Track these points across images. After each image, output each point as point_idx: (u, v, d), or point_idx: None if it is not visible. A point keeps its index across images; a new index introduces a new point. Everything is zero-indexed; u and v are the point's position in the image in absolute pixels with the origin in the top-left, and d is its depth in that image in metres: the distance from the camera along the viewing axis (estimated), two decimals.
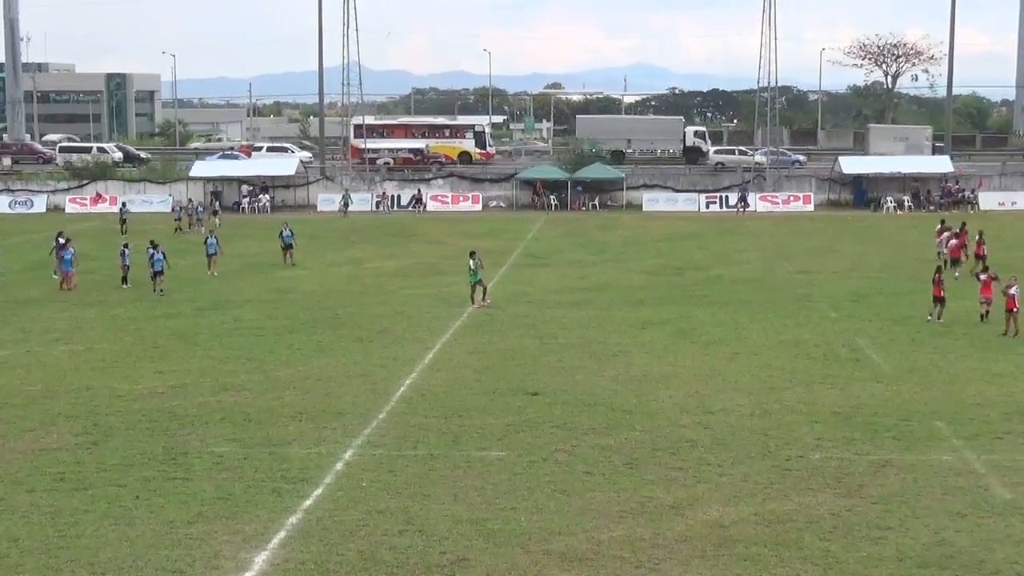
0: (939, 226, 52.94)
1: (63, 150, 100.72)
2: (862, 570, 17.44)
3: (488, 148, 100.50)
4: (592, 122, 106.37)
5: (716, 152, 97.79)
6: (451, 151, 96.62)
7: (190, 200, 74.95)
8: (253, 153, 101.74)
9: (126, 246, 48.02)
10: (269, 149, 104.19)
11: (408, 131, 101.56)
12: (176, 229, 66.22)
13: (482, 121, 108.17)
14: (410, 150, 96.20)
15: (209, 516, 19.71)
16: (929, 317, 37.39)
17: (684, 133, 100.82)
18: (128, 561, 17.79)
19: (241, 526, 19.22)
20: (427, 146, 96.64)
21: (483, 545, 18.38)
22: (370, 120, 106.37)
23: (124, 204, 72.67)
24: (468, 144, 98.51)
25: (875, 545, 18.36)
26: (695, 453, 23.26)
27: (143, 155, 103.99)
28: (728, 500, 20.40)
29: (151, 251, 44.89)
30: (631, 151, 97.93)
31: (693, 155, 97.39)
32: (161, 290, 43.67)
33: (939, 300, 37.44)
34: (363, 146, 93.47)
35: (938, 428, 25.07)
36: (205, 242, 50.35)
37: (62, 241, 47.82)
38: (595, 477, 21.77)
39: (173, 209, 72.97)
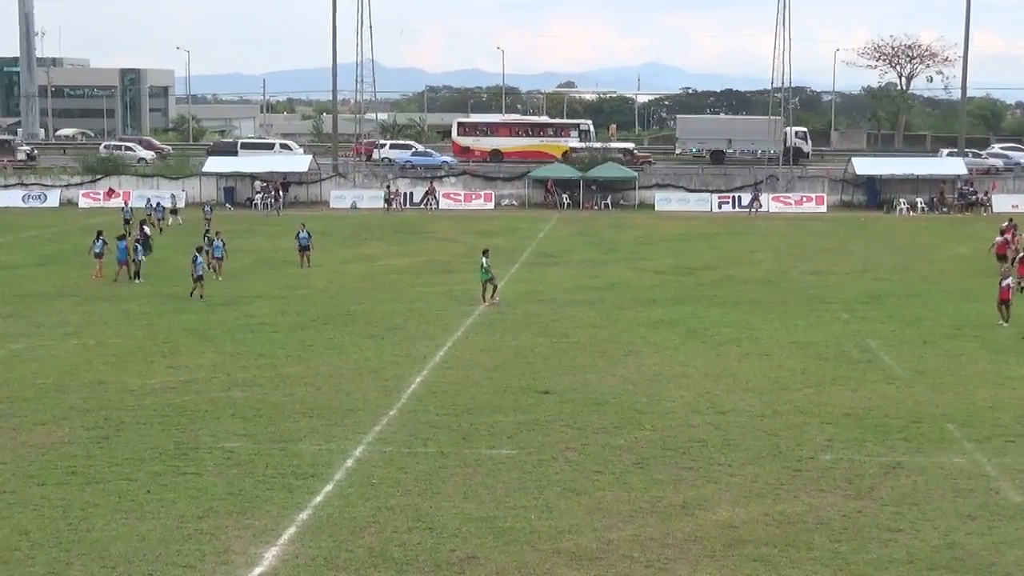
0: (1006, 223, 52.63)
1: (107, 148, 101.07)
2: (872, 572, 17.43)
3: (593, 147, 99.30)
4: (692, 122, 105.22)
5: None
6: (556, 150, 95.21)
7: (148, 200, 72.81)
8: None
9: (138, 241, 48.12)
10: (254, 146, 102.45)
11: (512, 129, 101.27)
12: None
13: (586, 120, 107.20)
14: (620, 150, 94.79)
15: (219, 511, 19.76)
16: (1000, 323, 37.04)
17: (785, 134, 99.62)
18: (138, 555, 17.85)
19: (251, 521, 19.26)
20: (684, 147, 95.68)
21: (493, 543, 18.40)
22: (475, 118, 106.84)
23: (126, 205, 70.21)
24: (573, 143, 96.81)
25: (885, 547, 18.35)
26: (705, 453, 23.26)
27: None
28: (738, 500, 20.40)
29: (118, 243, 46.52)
30: (731, 152, 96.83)
31: (794, 156, 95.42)
32: (201, 295, 42.03)
33: (1005, 303, 37.27)
34: (467, 144, 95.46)
35: (949, 431, 25.03)
36: (211, 244, 48.26)
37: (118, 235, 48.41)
38: (605, 476, 21.78)
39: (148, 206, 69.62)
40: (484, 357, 32.32)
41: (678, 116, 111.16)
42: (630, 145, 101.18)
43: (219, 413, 26.24)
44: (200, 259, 42.58)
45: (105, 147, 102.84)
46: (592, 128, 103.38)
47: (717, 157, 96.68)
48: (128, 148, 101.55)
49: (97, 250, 47.20)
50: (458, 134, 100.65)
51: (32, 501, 20.27)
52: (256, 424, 25.35)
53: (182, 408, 26.66)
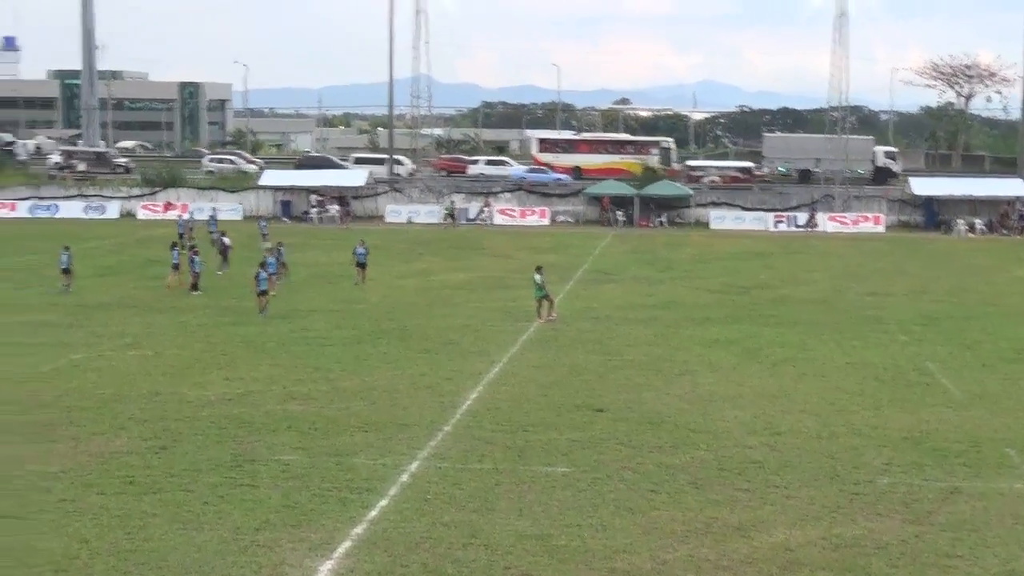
0: None
1: (212, 160, 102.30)
2: None
3: (673, 165, 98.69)
4: (780, 141, 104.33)
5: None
6: (636, 167, 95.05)
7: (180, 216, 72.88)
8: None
9: (196, 252, 48.54)
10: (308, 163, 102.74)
11: (592, 146, 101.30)
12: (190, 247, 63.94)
13: (668, 138, 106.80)
14: (739, 169, 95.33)
15: (275, 524, 19.86)
16: None
17: (874, 153, 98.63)
18: (195, 566, 17.97)
19: (307, 534, 19.34)
20: (755, 165, 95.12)
21: (547, 561, 18.37)
22: (555, 135, 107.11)
23: (180, 216, 69.99)
24: (653, 160, 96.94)
25: (944, 573, 18.15)
26: (761, 474, 23.12)
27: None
28: (794, 523, 20.25)
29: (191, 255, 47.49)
30: (819, 171, 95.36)
31: (883, 176, 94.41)
32: (262, 309, 41.92)
33: None
34: (548, 161, 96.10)
35: (1009, 456, 24.73)
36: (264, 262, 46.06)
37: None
38: (660, 496, 21.69)
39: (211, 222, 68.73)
40: (539, 374, 32.31)
41: (765, 135, 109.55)
42: (749, 164, 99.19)
43: (275, 426, 26.39)
44: (263, 274, 42.54)
45: (210, 159, 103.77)
46: (673, 146, 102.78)
47: (804, 176, 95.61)
48: (231, 162, 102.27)
49: (175, 260, 48.28)
50: (538, 151, 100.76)
51: (91, 510, 20.47)
52: (312, 437, 25.47)
53: (239, 420, 26.84)
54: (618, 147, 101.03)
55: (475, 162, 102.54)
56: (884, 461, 24.14)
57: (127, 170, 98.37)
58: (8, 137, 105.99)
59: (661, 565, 18.29)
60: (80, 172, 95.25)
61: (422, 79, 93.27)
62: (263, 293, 42.01)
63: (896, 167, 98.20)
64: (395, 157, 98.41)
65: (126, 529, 19.52)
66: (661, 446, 25.07)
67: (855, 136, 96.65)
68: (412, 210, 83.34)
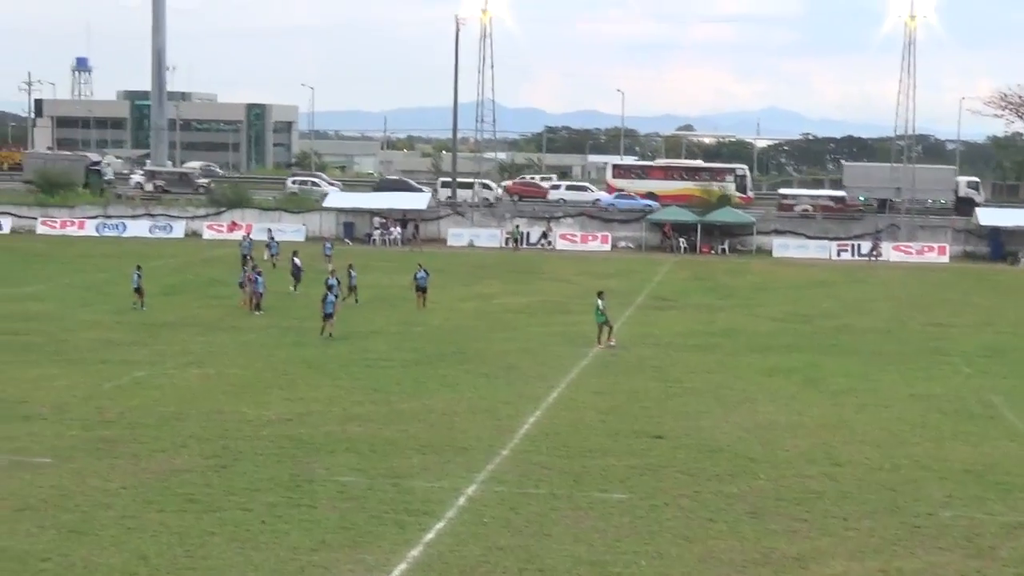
0: None
1: (295, 182, 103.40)
2: None
3: (748, 193, 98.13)
4: (860, 170, 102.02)
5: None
6: (711, 194, 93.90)
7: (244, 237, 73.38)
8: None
9: (259, 273, 48.95)
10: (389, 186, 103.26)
11: (667, 172, 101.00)
12: (273, 265, 62.72)
13: (743, 165, 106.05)
14: (831, 198, 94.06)
15: (332, 544, 19.94)
16: None
17: (957, 183, 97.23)
18: None
19: (363, 556, 19.41)
20: (850, 195, 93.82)
21: None
22: (629, 161, 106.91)
23: (244, 238, 69.43)
24: (729, 187, 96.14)
25: None
26: (820, 505, 22.91)
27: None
28: (853, 555, 20.05)
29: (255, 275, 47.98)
30: (899, 201, 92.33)
31: (966, 206, 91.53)
32: (330, 334, 41.68)
33: None
34: (622, 187, 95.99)
35: None
36: (325, 298, 43.23)
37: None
38: (718, 524, 21.56)
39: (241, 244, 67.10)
40: (597, 399, 32.26)
41: (844, 163, 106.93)
42: (840, 193, 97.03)
43: (334, 447, 26.52)
44: (331, 297, 42.44)
45: (293, 181, 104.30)
46: (748, 173, 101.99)
47: (884, 206, 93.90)
48: (315, 184, 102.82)
49: (241, 280, 48.83)
50: (613, 176, 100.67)
51: (151, 527, 20.66)
52: (370, 459, 25.57)
53: (298, 440, 27.00)
54: (692, 173, 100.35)
55: (556, 187, 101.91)
56: (946, 494, 23.86)
57: (208, 190, 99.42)
58: (95, 157, 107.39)
59: None
60: (161, 192, 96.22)
61: (486, 103, 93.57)
62: (328, 316, 41.97)
63: (979, 197, 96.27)
64: (484, 182, 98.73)
65: (185, 547, 19.69)
66: (719, 474, 24.93)
67: (936, 166, 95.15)
68: (474, 233, 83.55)
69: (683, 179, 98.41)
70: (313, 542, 20.04)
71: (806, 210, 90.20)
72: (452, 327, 45.05)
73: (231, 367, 36.04)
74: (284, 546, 19.82)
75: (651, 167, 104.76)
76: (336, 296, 44.57)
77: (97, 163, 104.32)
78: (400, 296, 52.50)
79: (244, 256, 59.64)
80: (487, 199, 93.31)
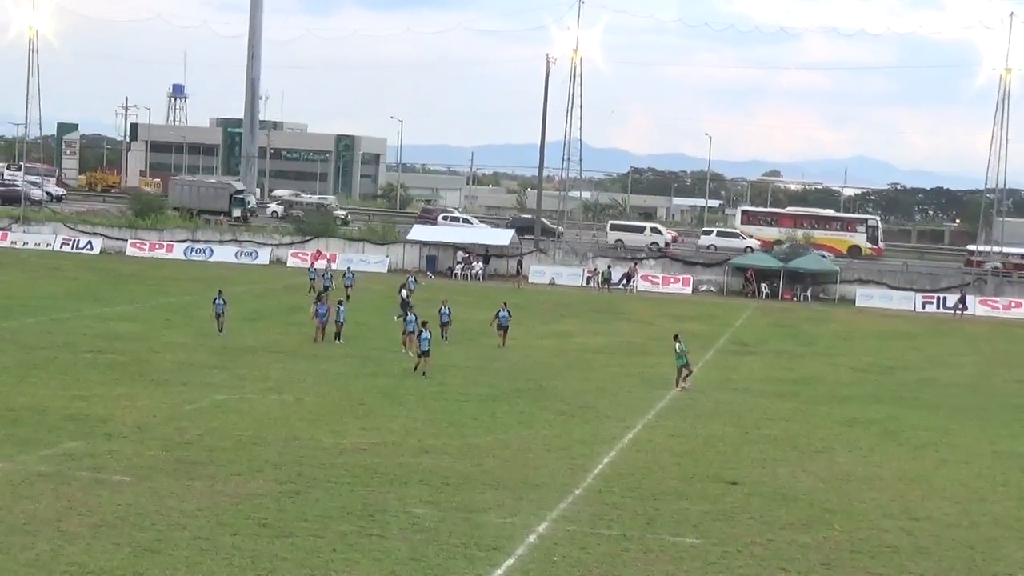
0: None
1: (445, 218, 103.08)
2: None
3: (879, 244, 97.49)
4: (1015, 226, 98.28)
5: None
6: (840, 244, 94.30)
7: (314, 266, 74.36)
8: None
9: (340, 303, 49.35)
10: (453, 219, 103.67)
11: (797, 220, 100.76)
12: (310, 289, 63.59)
13: (874, 216, 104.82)
14: (1022, 256, 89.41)
15: None
16: None
17: None
18: None
19: None
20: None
21: None
22: (759, 208, 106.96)
23: (314, 268, 69.73)
24: (859, 238, 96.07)
25: None
26: (896, 559, 22.58)
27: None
28: None
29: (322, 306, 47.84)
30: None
31: None
32: (424, 372, 40.61)
33: None
34: (751, 233, 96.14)
35: None
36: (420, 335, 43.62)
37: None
38: (790, 574, 21.34)
39: (310, 270, 70.25)
40: (673, 443, 32.08)
41: (997, 219, 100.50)
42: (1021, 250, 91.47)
43: (407, 478, 26.62)
44: (426, 334, 41.30)
45: (443, 217, 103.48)
46: (880, 223, 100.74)
47: None
48: (466, 220, 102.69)
49: (322, 312, 47.83)
50: (742, 222, 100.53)
51: (224, 549, 20.87)
52: (443, 492, 25.63)
53: (372, 470, 27.14)
54: (823, 222, 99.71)
55: (707, 233, 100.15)
56: None
57: (345, 222, 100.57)
58: (239, 185, 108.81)
59: None
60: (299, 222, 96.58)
61: (573, 142, 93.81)
62: (425, 354, 40.98)
63: None
64: (655, 226, 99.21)
65: (256, 570, 19.86)
66: (793, 523, 24.67)
67: None
68: (555, 271, 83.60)
69: (813, 227, 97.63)
70: (383, 572, 20.11)
71: (996, 268, 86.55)
72: (530, 364, 45.07)
73: (309, 394, 36.36)
74: (354, 575, 19.90)
75: (781, 214, 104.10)
76: (412, 331, 43.83)
77: (241, 191, 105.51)
78: (479, 331, 52.59)
79: (325, 287, 59.70)
80: (656, 243, 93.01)
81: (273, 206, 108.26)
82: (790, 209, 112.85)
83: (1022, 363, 54.11)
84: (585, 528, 23.48)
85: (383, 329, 50.99)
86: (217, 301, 48.96)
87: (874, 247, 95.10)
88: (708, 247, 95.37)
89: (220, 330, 48.06)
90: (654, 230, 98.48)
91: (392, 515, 23.59)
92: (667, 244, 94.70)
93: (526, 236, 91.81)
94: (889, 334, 63.09)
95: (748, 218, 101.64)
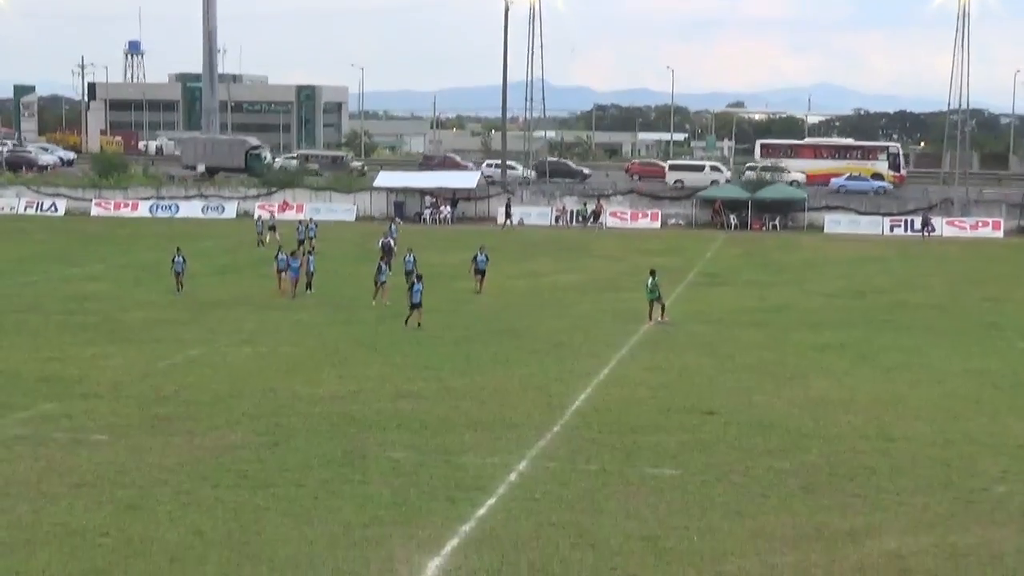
0: None
1: (488, 166, 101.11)
2: None
3: (901, 171, 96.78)
4: None
5: None
6: (863, 173, 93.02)
7: (258, 217, 74.70)
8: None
9: (292, 254, 48.29)
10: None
11: (817, 151, 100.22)
12: (258, 243, 64.96)
13: (895, 143, 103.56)
14: None
15: (385, 520, 20.06)
16: None
17: None
18: (306, 560, 18.23)
19: (415, 531, 19.51)
20: None
21: (655, 563, 18.32)
22: (777, 140, 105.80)
23: (307, 221, 68.81)
24: (881, 166, 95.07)
25: None
26: (873, 480, 22.80)
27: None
28: (907, 530, 19.94)
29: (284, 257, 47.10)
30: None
31: None
32: (419, 323, 39.41)
33: None
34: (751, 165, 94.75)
35: None
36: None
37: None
38: (770, 500, 21.51)
39: (256, 222, 70.72)
40: (648, 376, 32.23)
41: None
42: None
43: (385, 423, 26.67)
44: (419, 286, 39.88)
45: (487, 164, 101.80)
46: (901, 151, 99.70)
47: None
48: (511, 167, 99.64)
49: (280, 267, 47.20)
50: (760, 155, 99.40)
51: (206, 502, 20.88)
52: (421, 435, 25.70)
53: (350, 417, 27.17)
54: (843, 152, 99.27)
55: (752, 168, 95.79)
56: (1001, 469, 23.65)
57: (363, 173, 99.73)
58: (254, 141, 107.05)
59: (770, 570, 18.14)
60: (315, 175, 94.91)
61: (535, 82, 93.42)
62: (417, 306, 39.78)
63: None
64: (715, 165, 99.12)
65: (240, 522, 19.88)
66: (771, 450, 24.85)
67: None
68: (524, 212, 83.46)
69: (834, 158, 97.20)
70: (366, 518, 20.17)
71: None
72: (502, 305, 45.12)
73: (283, 345, 36.32)
74: (337, 521, 19.96)
75: (800, 146, 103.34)
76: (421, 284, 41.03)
77: (257, 147, 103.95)
78: (450, 275, 52.50)
79: (301, 241, 59.58)
80: (716, 181, 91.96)
81: (280, 160, 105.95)
82: (809, 140, 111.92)
83: (991, 281, 54.51)
84: (565, 464, 23.59)
85: (353, 278, 50.90)
86: (176, 259, 47.61)
87: (896, 174, 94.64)
88: (790, 183, 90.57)
89: (179, 289, 46.99)
90: (714, 168, 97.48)
91: (372, 460, 23.64)
92: (727, 181, 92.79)
93: (555, 179, 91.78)
94: (858, 259, 63.42)
95: (767, 151, 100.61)
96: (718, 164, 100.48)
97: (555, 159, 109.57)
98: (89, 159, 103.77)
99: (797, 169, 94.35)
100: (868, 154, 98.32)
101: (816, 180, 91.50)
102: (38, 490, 21.55)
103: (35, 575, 17.63)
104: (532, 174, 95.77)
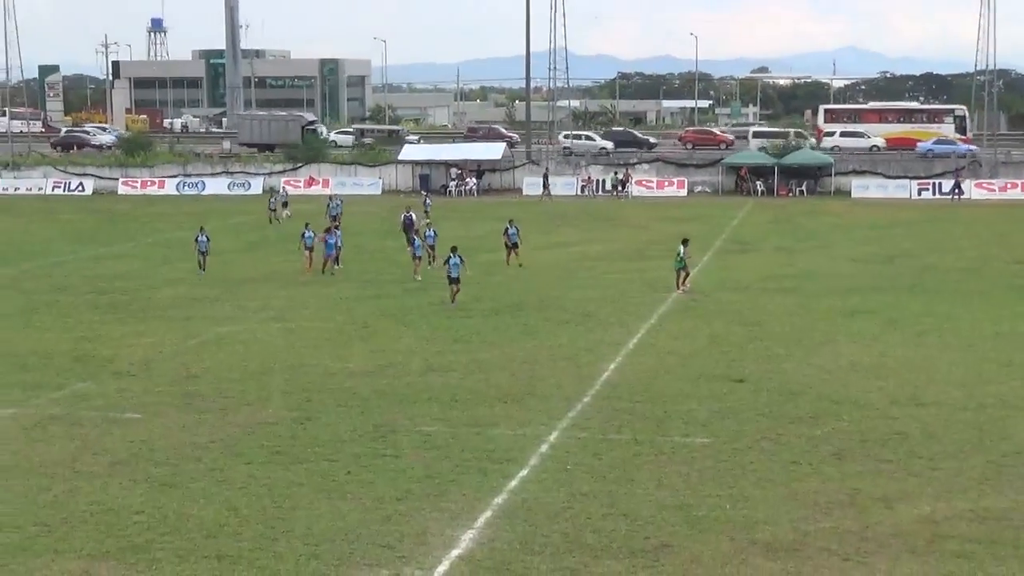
0: None
1: (567, 137, 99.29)
2: None
3: (968, 134, 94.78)
4: None
5: None
6: (928, 136, 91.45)
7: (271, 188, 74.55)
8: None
9: (337, 228, 49.05)
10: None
11: (881, 115, 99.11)
12: (269, 220, 64.41)
13: (961, 106, 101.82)
14: None
15: (417, 493, 20.16)
16: None
17: None
18: (339, 534, 18.34)
19: (448, 504, 19.61)
20: None
21: (687, 531, 18.37)
22: (841, 105, 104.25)
23: (272, 189, 66.63)
24: (947, 129, 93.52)
25: None
26: (905, 446, 22.75)
27: None
28: (940, 495, 19.92)
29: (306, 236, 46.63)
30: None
31: None
32: (452, 299, 38.74)
33: None
34: (834, 131, 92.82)
35: None
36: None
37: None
38: (802, 467, 21.51)
39: (270, 199, 68.89)
40: (678, 345, 32.20)
41: None
42: None
43: (416, 397, 26.76)
44: (455, 260, 38.75)
45: (565, 136, 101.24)
46: (967, 114, 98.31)
47: None
48: (589, 137, 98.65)
49: (308, 243, 46.70)
50: (824, 121, 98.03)
51: (239, 479, 21.02)
52: (452, 408, 25.78)
53: (380, 391, 27.27)
54: (908, 115, 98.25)
55: (831, 134, 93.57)
56: None
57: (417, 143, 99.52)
58: (310, 116, 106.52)
59: (803, 536, 18.15)
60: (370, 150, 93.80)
61: (559, 52, 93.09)
62: (455, 280, 38.96)
63: None
64: (799, 131, 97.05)
65: (273, 498, 20.01)
66: (802, 417, 24.83)
67: None
68: (550, 182, 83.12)
69: (899, 122, 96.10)
70: (398, 491, 20.27)
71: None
72: (530, 276, 45.09)
73: (313, 320, 36.42)
74: (370, 496, 20.07)
75: (865, 110, 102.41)
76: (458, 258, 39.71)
77: (313, 122, 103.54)
78: (477, 247, 52.43)
79: (333, 217, 59.31)
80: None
81: (334, 135, 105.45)
82: (873, 104, 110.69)
83: (1020, 244, 54.13)
84: (596, 435, 23.64)
85: (380, 252, 50.99)
86: (200, 238, 46.77)
87: (963, 137, 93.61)
88: (833, 148, 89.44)
89: (202, 268, 46.33)
90: (798, 135, 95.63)
91: (403, 434, 23.74)
92: (812, 147, 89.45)
93: (621, 149, 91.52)
94: (887, 223, 63.07)
95: (831, 116, 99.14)
96: (802, 131, 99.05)
97: (620, 129, 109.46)
98: (249, 137, 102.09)
99: (875, 134, 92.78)
100: (934, 117, 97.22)
101: (893, 145, 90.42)
102: (73, 469, 21.75)
103: (73, 553, 17.81)
104: (612, 144, 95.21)
